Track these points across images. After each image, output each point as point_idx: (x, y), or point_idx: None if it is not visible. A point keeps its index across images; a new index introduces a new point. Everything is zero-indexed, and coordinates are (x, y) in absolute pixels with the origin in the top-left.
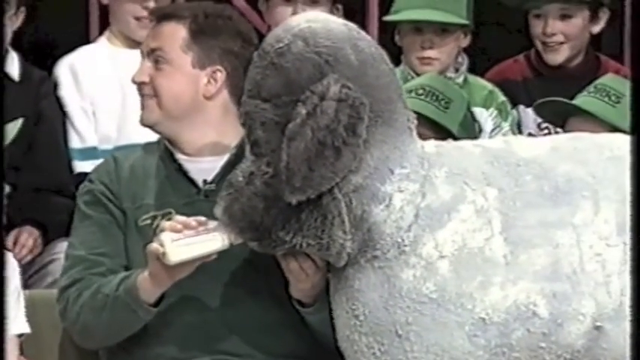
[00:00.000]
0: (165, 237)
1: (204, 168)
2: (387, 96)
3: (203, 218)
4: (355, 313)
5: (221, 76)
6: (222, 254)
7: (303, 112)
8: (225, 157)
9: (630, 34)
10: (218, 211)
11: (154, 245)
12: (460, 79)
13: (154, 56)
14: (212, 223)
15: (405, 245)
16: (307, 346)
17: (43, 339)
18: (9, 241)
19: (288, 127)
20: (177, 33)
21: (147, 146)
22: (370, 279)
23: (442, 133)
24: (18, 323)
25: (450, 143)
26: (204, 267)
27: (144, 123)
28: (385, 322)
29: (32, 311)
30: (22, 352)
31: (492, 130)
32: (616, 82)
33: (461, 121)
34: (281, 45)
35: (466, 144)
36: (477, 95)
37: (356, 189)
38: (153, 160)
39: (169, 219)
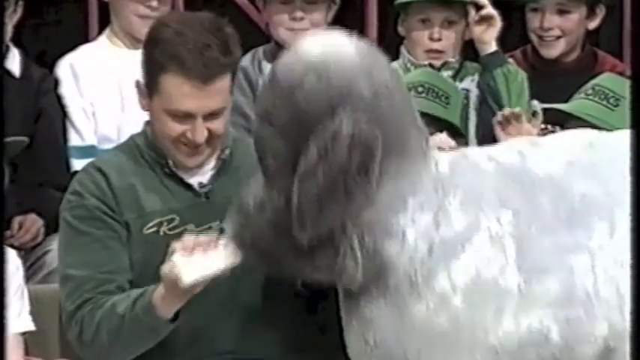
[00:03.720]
0: (178, 259)
1: (195, 171)
2: (401, 125)
3: (214, 235)
4: (366, 338)
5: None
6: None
7: (315, 151)
8: (214, 157)
9: (630, 30)
10: (228, 233)
11: (167, 270)
12: (456, 65)
13: (216, 112)
14: (222, 239)
15: (418, 278)
16: (313, 340)
17: (47, 335)
18: (14, 225)
19: (299, 168)
20: (227, 83)
21: (123, 150)
22: (382, 310)
23: (446, 128)
24: (22, 321)
25: (464, 158)
26: None
27: (195, 166)
28: (397, 351)
29: (36, 308)
30: (26, 350)
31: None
32: (614, 83)
33: (460, 114)
34: (293, 79)
35: (480, 158)
36: (470, 70)
37: (369, 224)
38: (139, 166)
39: (174, 226)
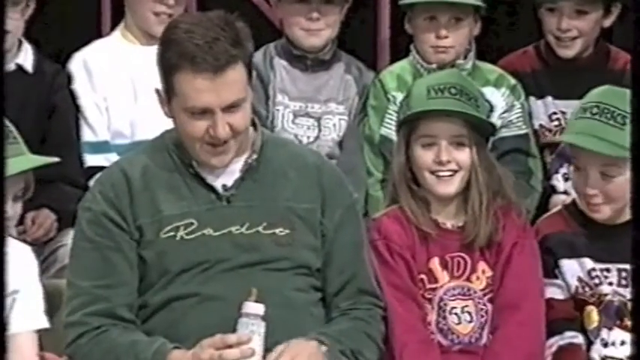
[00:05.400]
0: None
1: (220, 172)
2: None
3: (243, 337)
4: None
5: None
6: (237, 251)
7: None
8: (242, 160)
9: (634, 30)
10: None
11: None
12: (469, 65)
13: (234, 104)
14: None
15: None
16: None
17: (59, 330)
18: (27, 221)
19: None
20: (242, 72)
21: (153, 148)
22: None
23: (476, 130)
24: (37, 319)
25: None
26: (220, 269)
27: (222, 165)
28: None
29: (49, 302)
30: (40, 346)
31: (505, 112)
32: (618, 99)
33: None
34: None
35: None
36: (487, 77)
37: None
38: (164, 166)
39: (192, 231)
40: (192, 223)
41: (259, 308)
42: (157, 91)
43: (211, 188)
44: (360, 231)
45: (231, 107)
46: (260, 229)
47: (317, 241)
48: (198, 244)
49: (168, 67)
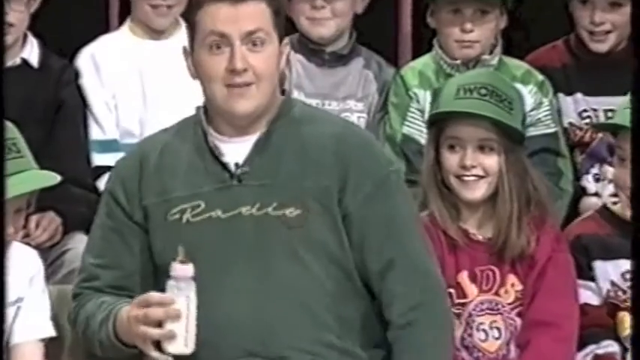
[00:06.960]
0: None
1: (238, 149)
2: None
3: (167, 298)
4: None
5: (287, 47)
6: (245, 248)
7: None
8: (255, 136)
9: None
10: None
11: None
12: (495, 61)
13: (252, 39)
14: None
15: None
16: (342, 335)
17: (66, 336)
18: (30, 224)
19: None
20: (265, 11)
21: (184, 122)
22: None
23: (506, 134)
24: (43, 327)
25: None
26: (228, 266)
27: (246, 113)
28: None
29: (56, 308)
30: (46, 354)
31: (533, 109)
32: None
33: (521, 120)
34: None
35: None
36: (514, 73)
37: None
38: (186, 140)
39: (199, 213)
40: (198, 205)
41: (187, 270)
42: (184, 49)
43: (224, 166)
44: (398, 204)
45: (250, 41)
46: (269, 209)
47: (336, 223)
48: (204, 229)
49: (193, 8)
